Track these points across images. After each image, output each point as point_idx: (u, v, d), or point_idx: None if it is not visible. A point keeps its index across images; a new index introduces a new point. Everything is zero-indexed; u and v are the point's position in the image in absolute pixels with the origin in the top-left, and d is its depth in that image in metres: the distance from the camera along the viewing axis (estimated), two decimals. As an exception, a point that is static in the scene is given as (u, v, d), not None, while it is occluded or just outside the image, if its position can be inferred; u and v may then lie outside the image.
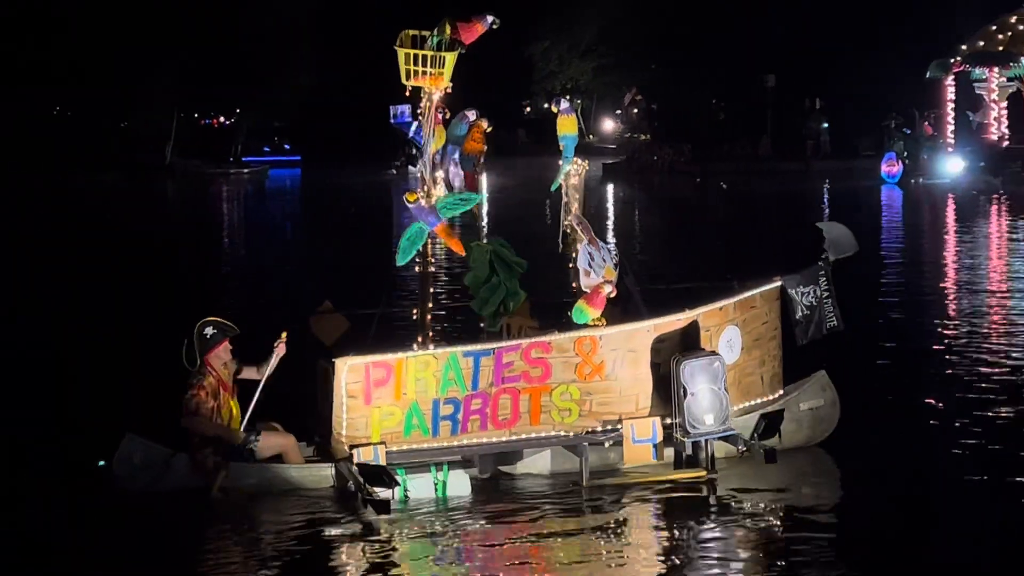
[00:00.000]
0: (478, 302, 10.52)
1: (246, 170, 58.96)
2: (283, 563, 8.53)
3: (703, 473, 9.96)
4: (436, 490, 9.65)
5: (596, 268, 10.10)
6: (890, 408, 12.10)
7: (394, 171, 57.40)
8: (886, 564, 8.39)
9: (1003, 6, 48.88)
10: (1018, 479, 9.96)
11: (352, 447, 9.53)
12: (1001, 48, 47.20)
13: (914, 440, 11.11)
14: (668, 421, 9.99)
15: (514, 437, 9.87)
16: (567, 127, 10.41)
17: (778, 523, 9.32)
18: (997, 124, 47.43)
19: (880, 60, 54.23)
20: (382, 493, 9.09)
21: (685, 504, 9.55)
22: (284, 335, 10.10)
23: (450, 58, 9.86)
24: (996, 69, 47.37)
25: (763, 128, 59.20)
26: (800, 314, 10.69)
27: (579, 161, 10.45)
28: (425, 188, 9.98)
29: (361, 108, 66.21)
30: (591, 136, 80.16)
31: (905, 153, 46.15)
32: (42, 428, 11.51)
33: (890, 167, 45.70)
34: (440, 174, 10.10)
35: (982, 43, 47.87)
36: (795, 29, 60.20)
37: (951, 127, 48.24)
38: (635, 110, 67.33)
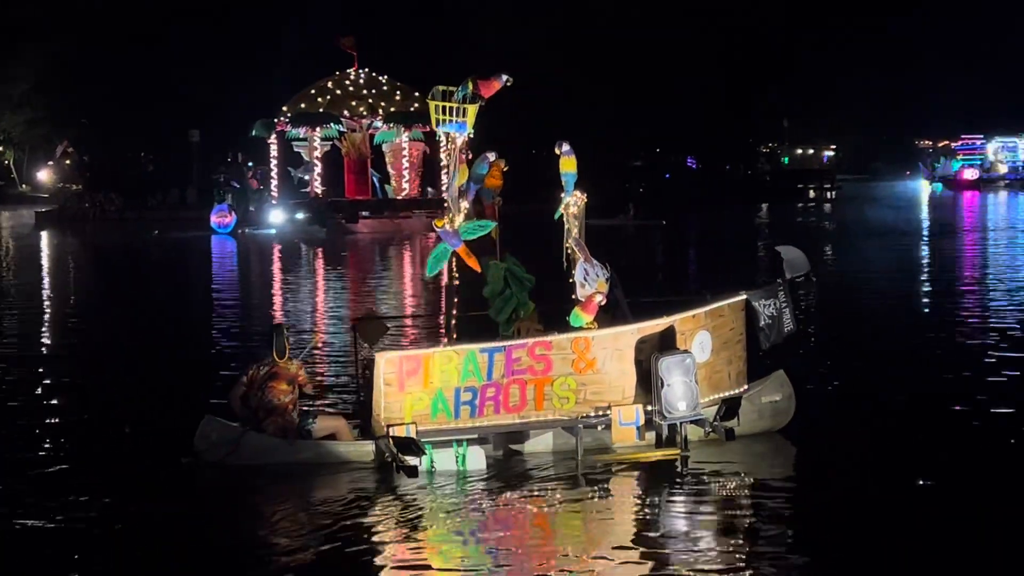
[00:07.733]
0: (494, 311, 12.65)
1: None
2: (330, 522, 10.23)
3: (678, 451, 11.96)
4: (457, 462, 11.61)
5: (590, 281, 12.18)
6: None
7: None
8: (825, 527, 10.07)
9: (321, 71, 53.81)
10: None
11: (388, 426, 11.59)
12: (321, 110, 51.48)
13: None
14: (649, 408, 12.00)
15: (522, 420, 11.87)
16: (568, 166, 12.46)
17: (739, 492, 11.16)
18: (319, 179, 52.22)
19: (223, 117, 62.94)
20: (411, 461, 11.16)
21: (662, 476, 11.46)
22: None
23: (471, 109, 11.96)
24: (317, 129, 51.76)
25: (189, 179, 65.62)
26: (763, 323, 12.72)
27: (578, 194, 12.53)
28: (450, 215, 12.06)
29: None
30: (24, 186, 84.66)
31: (235, 205, 50.17)
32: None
33: (221, 218, 50.08)
34: (464, 204, 12.13)
35: (303, 105, 52.14)
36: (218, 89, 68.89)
37: (275, 181, 52.78)
38: (67, 161, 73.13)
